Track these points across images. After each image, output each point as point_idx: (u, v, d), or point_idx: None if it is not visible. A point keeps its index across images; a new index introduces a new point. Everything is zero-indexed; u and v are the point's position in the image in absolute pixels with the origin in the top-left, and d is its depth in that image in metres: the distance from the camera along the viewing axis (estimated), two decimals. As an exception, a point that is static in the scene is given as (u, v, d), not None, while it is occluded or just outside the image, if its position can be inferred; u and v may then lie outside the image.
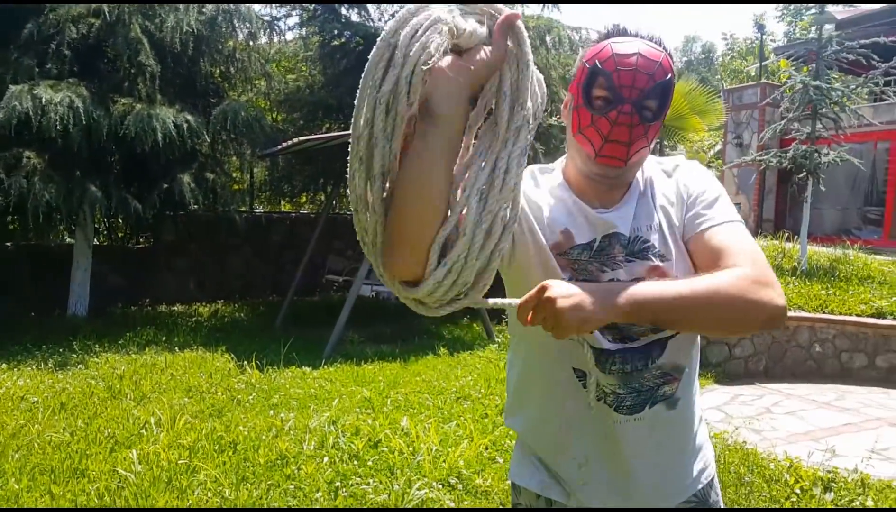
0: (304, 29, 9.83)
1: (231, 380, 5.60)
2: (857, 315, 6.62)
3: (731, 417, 5.21)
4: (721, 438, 4.45)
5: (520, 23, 1.10)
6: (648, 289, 1.15)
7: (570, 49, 9.75)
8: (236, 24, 8.14)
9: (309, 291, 9.94)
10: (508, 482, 1.76)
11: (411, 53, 1.00)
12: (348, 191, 1.10)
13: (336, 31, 9.16)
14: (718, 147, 20.21)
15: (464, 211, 1.07)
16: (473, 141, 1.15)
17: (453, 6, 1.06)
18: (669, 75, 1.25)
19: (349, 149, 1.06)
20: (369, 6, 9.77)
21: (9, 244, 9.02)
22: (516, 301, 1.15)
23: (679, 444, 1.42)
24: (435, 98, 1.03)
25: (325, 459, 3.89)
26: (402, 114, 1.02)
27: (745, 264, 1.19)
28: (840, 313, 6.68)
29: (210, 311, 9.21)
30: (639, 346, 1.31)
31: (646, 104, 1.25)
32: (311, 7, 9.39)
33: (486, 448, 4.07)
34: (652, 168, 1.40)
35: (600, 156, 1.26)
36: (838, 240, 12.86)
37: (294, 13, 9.63)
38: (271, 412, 4.76)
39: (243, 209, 9.80)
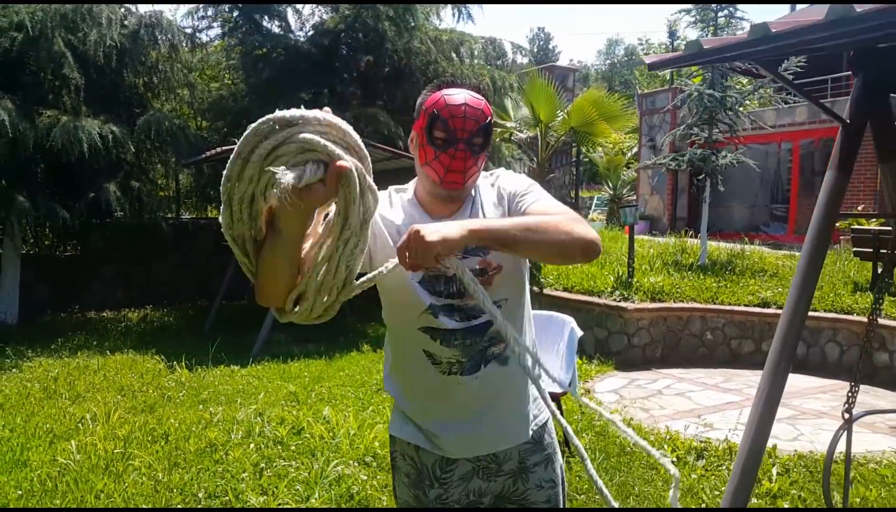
0: (225, 38, 10.13)
1: (161, 379, 5.93)
2: (745, 305, 7.34)
3: (624, 398, 5.81)
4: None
5: (349, 171, 1.25)
6: (492, 221, 1.52)
7: (484, 60, 10.35)
8: (158, 36, 8.38)
9: (238, 295, 10.19)
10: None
11: (262, 176, 1.23)
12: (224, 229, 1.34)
13: (257, 43, 9.48)
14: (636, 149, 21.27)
15: (308, 282, 1.36)
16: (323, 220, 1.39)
17: (303, 141, 1.22)
18: (489, 118, 1.63)
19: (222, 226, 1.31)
20: (289, 17, 10.16)
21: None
22: (392, 262, 1.44)
23: (515, 394, 1.77)
24: (281, 220, 1.28)
25: (252, 445, 4.32)
26: (259, 210, 1.28)
27: (561, 213, 1.55)
28: (729, 304, 7.37)
29: (139, 316, 9.41)
30: (478, 323, 1.67)
31: (474, 141, 1.60)
32: (232, 19, 9.70)
33: (397, 428, 4.55)
34: (480, 182, 1.77)
35: (444, 182, 1.62)
36: (752, 236, 13.89)
37: (215, 24, 9.89)
38: (200, 407, 5.14)
39: (170, 216, 9.99)
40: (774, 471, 4.10)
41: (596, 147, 14.72)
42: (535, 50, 65.94)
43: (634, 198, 21.53)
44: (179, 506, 3.51)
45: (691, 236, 11.63)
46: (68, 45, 7.62)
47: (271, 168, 1.20)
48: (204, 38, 10.13)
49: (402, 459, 1.85)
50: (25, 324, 8.31)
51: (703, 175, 9.83)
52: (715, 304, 7.37)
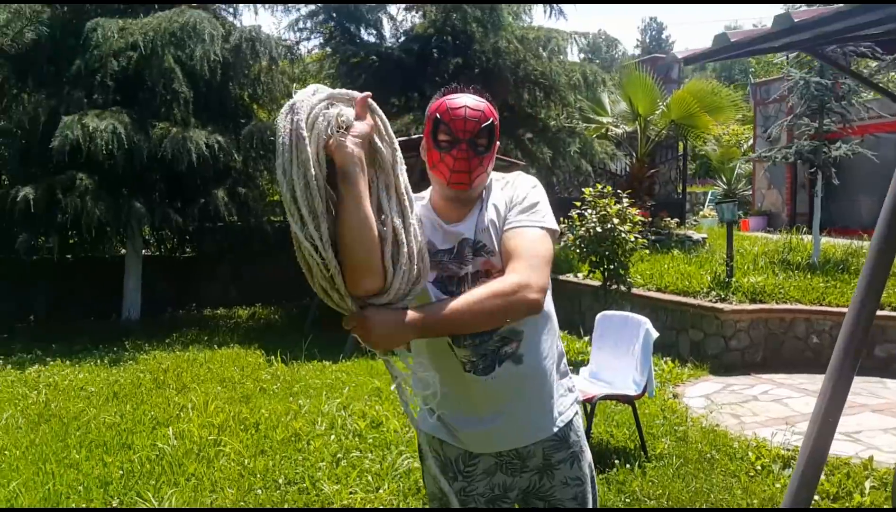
0: (323, 49, 10.57)
1: (260, 372, 6.30)
2: (854, 306, 6.85)
3: (714, 403, 5.56)
4: (697, 422, 4.94)
5: (370, 99, 1.58)
6: (432, 312, 1.57)
7: (575, 55, 10.25)
8: (259, 50, 8.86)
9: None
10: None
11: (312, 137, 1.45)
12: (296, 250, 1.49)
13: (350, 52, 9.83)
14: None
15: (392, 229, 1.56)
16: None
17: (317, 94, 1.51)
18: (491, 119, 1.71)
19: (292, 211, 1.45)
20: (384, 24, 10.49)
21: (69, 256, 9.96)
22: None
23: (534, 391, 1.81)
24: (347, 167, 1.48)
25: (333, 436, 4.54)
26: (318, 182, 1.46)
27: (518, 269, 1.62)
28: (838, 305, 6.86)
29: (248, 313, 9.99)
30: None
31: (477, 142, 1.69)
32: (329, 29, 10.12)
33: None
34: (493, 185, 1.82)
35: (451, 183, 1.71)
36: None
37: (313, 36, 10.35)
38: (291, 399, 5.43)
39: (278, 219, 10.53)
40: (868, 484, 3.86)
41: (703, 140, 14.18)
42: (647, 40, 64.05)
43: (750, 192, 20.57)
44: (259, 490, 3.75)
45: (805, 233, 11.02)
46: (177, 61, 8.19)
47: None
48: (303, 48, 10.60)
49: (429, 452, 1.90)
50: (146, 320, 9.01)
51: (815, 168, 9.29)
52: (822, 305, 6.91)
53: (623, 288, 6.79)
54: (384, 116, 1.63)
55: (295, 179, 1.43)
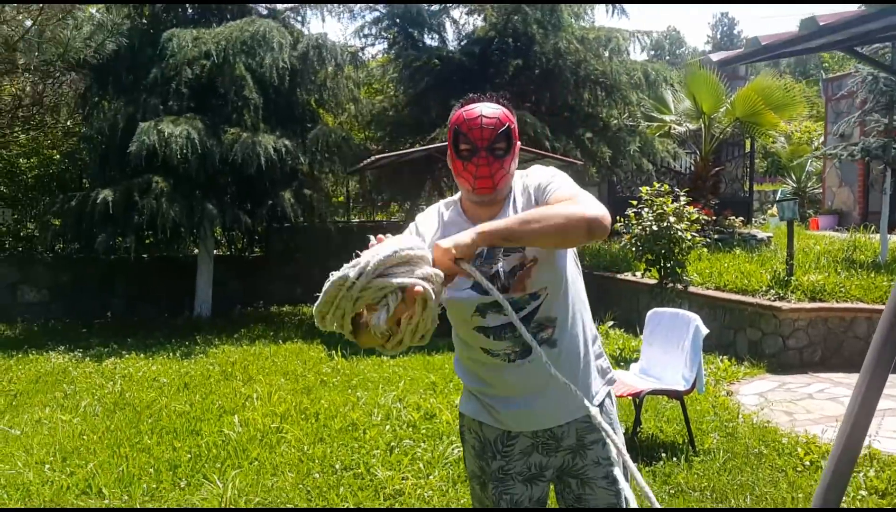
0: (387, 54, 10.83)
1: (321, 366, 6.56)
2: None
3: (768, 401, 5.53)
4: (748, 418, 4.92)
5: (423, 292, 1.54)
6: (497, 222, 1.66)
7: (639, 53, 10.19)
8: (325, 57, 9.16)
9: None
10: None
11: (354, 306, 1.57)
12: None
13: (412, 57, 10.04)
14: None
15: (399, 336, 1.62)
16: None
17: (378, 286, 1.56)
18: (507, 124, 1.79)
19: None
20: (447, 27, 10.67)
21: (145, 256, 10.52)
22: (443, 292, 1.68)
23: (568, 372, 1.81)
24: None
25: (388, 427, 4.72)
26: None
27: (575, 197, 1.71)
28: (902, 305, 6.73)
29: (312, 311, 10.30)
30: (524, 315, 1.82)
31: (495, 147, 1.78)
32: (392, 35, 10.37)
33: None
34: (515, 181, 1.91)
35: (476, 188, 1.81)
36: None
37: (377, 42, 10.63)
38: (349, 391, 5.65)
39: (342, 220, 10.84)
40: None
41: (771, 138, 13.84)
42: (719, 36, 62.41)
43: (820, 190, 19.89)
44: (317, 474, 3.96)
45: (874, 232, 10.64)
46: (248, 68, 8.57)
47: (368, 319, 1.57)
48: (368, 54, 10.89)
49: (468, 433, 2.04)
50: (217, 316, 9.43)
51: (883, 165, 9.00)
52: (884, 304, 6.74)
53: (679, 286, 6.76)
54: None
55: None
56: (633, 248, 6.82)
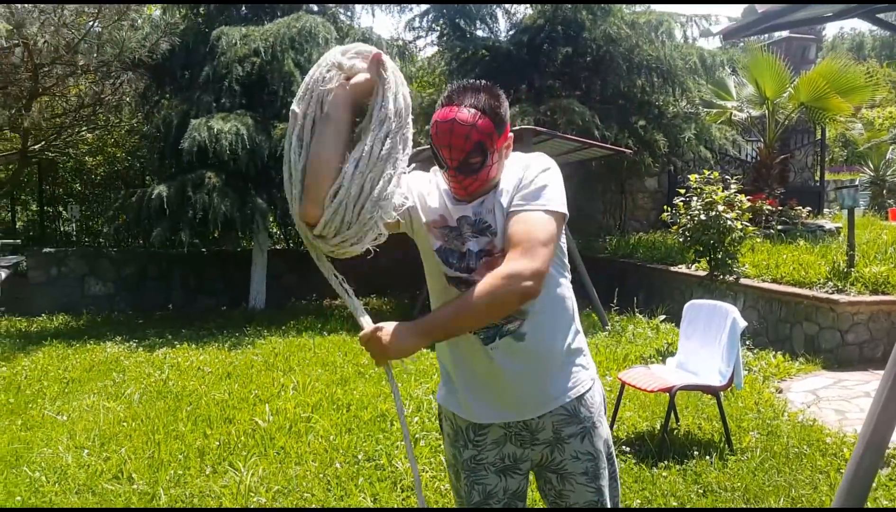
0: (440, 44, 10.81)
1: (360, 357, 6.58)
2: None
3: (820, 399, 5.25)
4: (793, 416, 4.68)
5: (383, 57, 1.67)
6: (436, 319, 1.70)
7: (691, 38, 9.84)
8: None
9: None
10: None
11: (318, 89, 1.68)
12: (283, 163, 1.72)
13: (458, 49, 9.97)
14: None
15: (341, 171, 1.65)
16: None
17: (348, 50, 1.71)
18: (479, 140, 1.68)
19: (287, 138, 1.71)
20: (499, 17, 10.57)
21: (204, 249, 10.84)
22: (364, 324, 1.82)
23: (537, 368, 1.83)
24: (328, 108, 1.66)
25: (416, 419, 4.69)
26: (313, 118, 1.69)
27: (511, 257, 1.65)
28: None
29: (362, 303, 10.39)
30: None
31: (469, 162, 1.70)
32: (439, 27, 10.33)
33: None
34: (511, 167, 1.82)
35: (454, 191, 1.82)
36: None
37: (426, 35, 10.61)
38: (384, 383, 5.65)
39: (392, 213, 10.83)
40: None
41: (838, 124, 13.15)
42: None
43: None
44: (339, 464, 3.96)
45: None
46: (296, 64, 8.68)
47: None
48: (420, 45, 10.88)
49: (444, 421, 2.03)
50: (270, 309, 9.62)
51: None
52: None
53: (731, 278, 6.49)
54: (396, 77, 1.71)
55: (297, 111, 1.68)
56: (681, 239, 6.57)
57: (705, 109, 11.12)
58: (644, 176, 11.86)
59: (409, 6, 10.60)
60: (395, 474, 3.85)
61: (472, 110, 1.68)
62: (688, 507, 3.44)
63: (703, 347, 4.43)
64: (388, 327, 1.70)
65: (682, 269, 8.51)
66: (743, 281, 6.93)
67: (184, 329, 8.31)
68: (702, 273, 7.21)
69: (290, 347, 7.17)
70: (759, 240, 7.33)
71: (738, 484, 3.64)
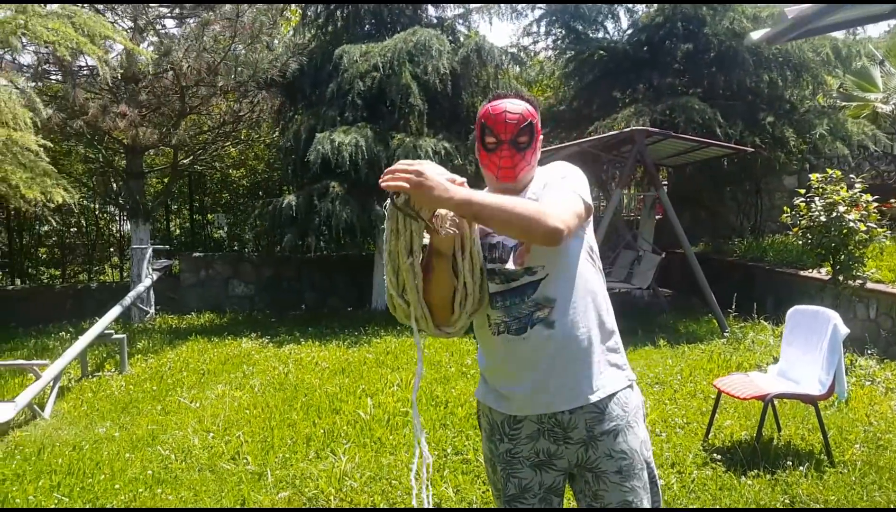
0: (556, 49, 10.85)
1: (465, 358, 6.79)
2: None
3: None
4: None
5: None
6: (478, 197, 1.71)
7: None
8: (485, 59, 9.41)
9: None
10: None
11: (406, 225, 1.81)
12: (391, 295, 1.89)
13: (575, 51, 9.96)
14: None
15: (464, 284, 1.87)
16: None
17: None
18: (529, 119, 1.93)
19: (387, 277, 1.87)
20: (615, 19, 10.45)
21: (334, 254, 11.52)
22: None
23: (568, 358, 1.90)
24: (441, 249, 1.83)
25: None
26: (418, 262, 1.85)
27: (551, 206, 1.77)
28: None
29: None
30: (515, 287, 1.91)
31: (518, 141, 1.92)
32: (556, 31, 10.37)
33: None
34: (539, 175, 2.01)
35: (499, 177, 1.95)
36: None
37: (541, 39, 10.69)
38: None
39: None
40: None
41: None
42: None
43: None
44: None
45: None
46: (414, 76, 9.05)
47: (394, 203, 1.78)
48: (536, 50, 10.97)
49: (482, 417, 2.12)
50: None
51: None
52: None
53: (855, 283, 6.10)
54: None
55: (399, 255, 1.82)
56: (801, 241, 6.27)
57: (844, 103, 10.40)
58: (782, 174, 11.25)
59: (525, 12, 10.69)
60: (478, 468, 4.01)
61: (519, 100, 1.97)
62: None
63: (804, 355, 4.25)
64: (433, 169, 1.73)
65: (813, 273, 8.05)
66: (875, 286, 6.48)
67: (310, 327, 8.90)
68: (820, 277, 6.83)
69: (401, 346, 7.51)
70: (887, 242, 6.79)
71: (832, 497, 3.49)
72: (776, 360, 6.08)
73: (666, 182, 12.02)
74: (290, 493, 3.78)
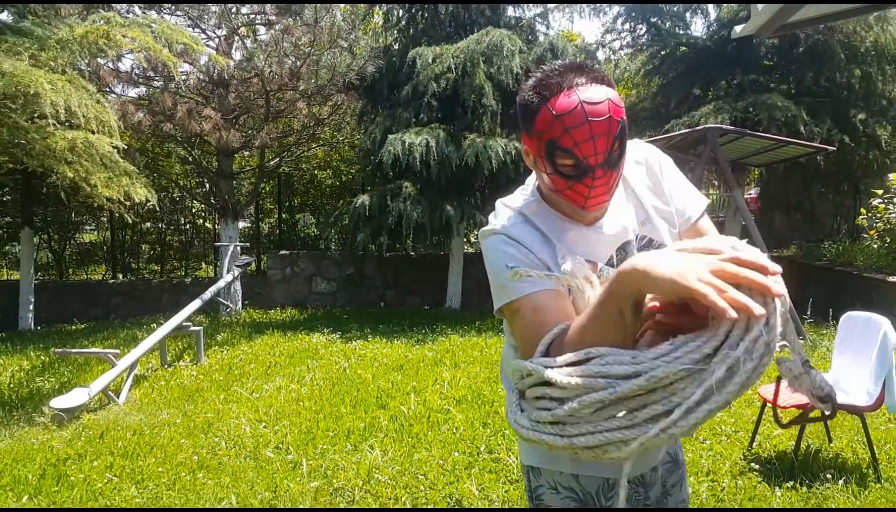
0: (636, 46, 10.63)
1: (524, 358, 6.80)
2: None
3: None
4: None
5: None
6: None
7: None
8: (559, 57, 9.32)
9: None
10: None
11: None
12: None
13: (658, 46, 9.73)
14: None
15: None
16: None
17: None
18: (621, 118, 1.27)
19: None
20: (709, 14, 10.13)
21: (413, 253, 11.75)
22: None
23: None
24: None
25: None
26: None
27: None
28: None
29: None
30: None
31: (612, 157, 1.29)
32: (634, 28, 10.16)
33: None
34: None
35: (588, 206, 1.34)
36: None
37: (620, 37, 10.48)
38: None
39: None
40: None
41: None
42: None
43: None
44: (457, 453, 4.25)
45: None
46: (488, 77, 9.11)
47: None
48: (615, 47, 10.79)
49: (552, 494, 1.55)
50: (465, 310, 10.19)
51: None
52: None
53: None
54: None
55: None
56: (876, 245, 5.90)
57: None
58: (884, 175, 10.55)
59: (604, 9, 10.53)
60: (507, 467, 4.05)
61: (595, 84, 1.28)
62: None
63: (854, 364, 4.03)
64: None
65: (875, 275, 7.55)
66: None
67: (381, 324, 9.13)
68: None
69: (463, 345, 7.60)
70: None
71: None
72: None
73: (753, 184, 11.52)
74: (320, 483, 3.94)
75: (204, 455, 4.43)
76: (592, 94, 1.25)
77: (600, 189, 1.30)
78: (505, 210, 1.48)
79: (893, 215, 5.62)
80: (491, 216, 1.51)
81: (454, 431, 4.68)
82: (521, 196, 1.49)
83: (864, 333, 4.03)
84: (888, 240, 5.80)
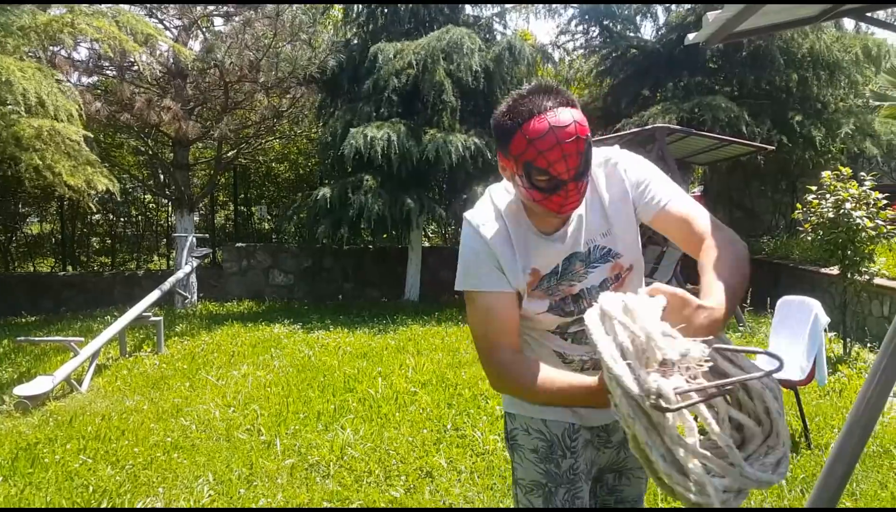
0: (587, 48, 11.01)
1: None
2: None
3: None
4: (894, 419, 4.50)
5: None
6: (722, 303, 1.32)
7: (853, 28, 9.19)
8: (517, 57, 9.64)
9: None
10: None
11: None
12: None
13: (608, 50, 10.12)
14: None
15: None
16: None
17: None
18: (586, 135, 1.46)
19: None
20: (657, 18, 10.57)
21: (370, 246, 11.91)
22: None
23: None
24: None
25: (513, 399, 5.08)
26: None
27: (708, 227, 1.51)
28: None
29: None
30: None
31: (581, 170, 1.47)
32: (587, 30, 10.54)
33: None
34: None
35: (562, 212, 1.52)
36: None
37: (575, 38, 10.85)
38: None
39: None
40: None
41: None
42: None
43: None
44: (426, 430, 4.48)
45: None
46: (448, 74, 9.34)
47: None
48: (570, 47, 11.15)
49: (525, 435, 1.78)
50: (423, 302, 10.40)
51: None
52: None
53: (863, 278, 6.17)
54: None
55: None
56: (810, 238, 6.35)
57: (878, 103, 10.29)
58: (819, 173, 11.19)
59: (559, 10, 10.89)
60: (473, 442, 4.29)
61: (562, 107, 1.45)
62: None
63: (789, 343, 4.41)
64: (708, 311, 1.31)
65: (835, 270, 8.07)
66: (889, 283, 6.51)
67: (341, 316, 9.29)
68: (829, 272, 6.88)
69: (424, 334, 7.82)
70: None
71: (799, 473, 3.66)
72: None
73: (697, 182, 12.05)
74: (295, 459, 4.12)
75: (176, 437, 4.55)
76: (561, 117, 1.43)
77: (573, 196, 1.49)
78: (490, 204, 1.69)
79: (825, 209, 6.03)
80: (481, 199, 1.73)
81: (421, 411, 4.90)
82: (507, 193, 1.68)
83: (797, 314, 4.41)
84: (820, 233, 6.22)
